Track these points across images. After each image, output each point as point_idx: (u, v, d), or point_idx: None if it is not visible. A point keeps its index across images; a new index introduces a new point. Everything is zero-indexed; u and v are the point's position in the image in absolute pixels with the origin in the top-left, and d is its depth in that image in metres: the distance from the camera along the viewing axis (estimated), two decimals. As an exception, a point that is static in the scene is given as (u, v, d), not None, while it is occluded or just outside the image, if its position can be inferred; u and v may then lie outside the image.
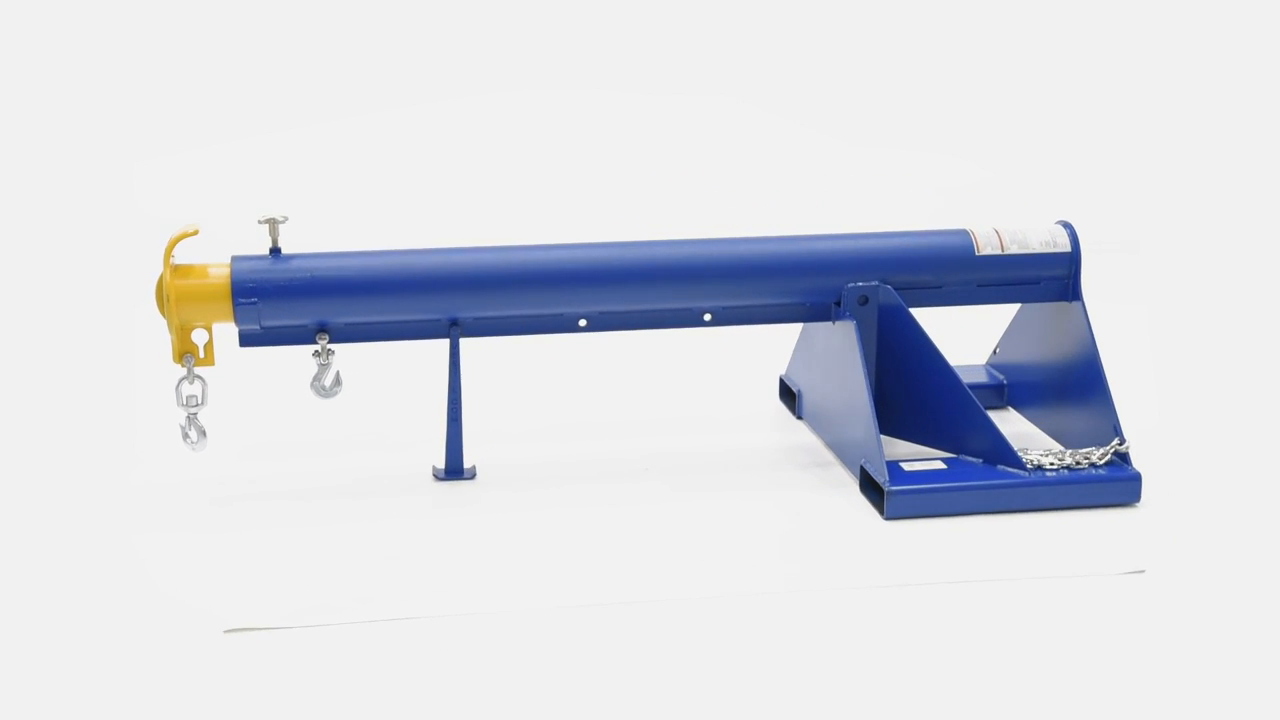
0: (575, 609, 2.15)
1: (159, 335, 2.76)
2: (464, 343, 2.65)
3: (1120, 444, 2.52)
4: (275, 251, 2.51)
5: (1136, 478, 2.48)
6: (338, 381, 2.61)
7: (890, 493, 2.43)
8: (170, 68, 4.33)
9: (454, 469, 2.67)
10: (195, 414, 2.54)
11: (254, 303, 2.47)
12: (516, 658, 2.02)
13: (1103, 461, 2.51)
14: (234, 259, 2.49)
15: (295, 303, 2.50)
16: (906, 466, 2.52)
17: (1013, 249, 2.66)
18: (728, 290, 2.63)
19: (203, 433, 2.56)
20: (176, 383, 2.52)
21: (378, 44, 4.44)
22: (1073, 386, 2.69)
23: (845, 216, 3.87)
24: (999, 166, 4.42)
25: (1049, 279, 2.69)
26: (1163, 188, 4.26)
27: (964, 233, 2.68)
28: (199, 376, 2.53)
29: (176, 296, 2.45)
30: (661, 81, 4.44)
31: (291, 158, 4.37)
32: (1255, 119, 4.18)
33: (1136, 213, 4.18)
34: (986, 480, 2.47)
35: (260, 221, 2.50)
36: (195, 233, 2.46)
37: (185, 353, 2.51)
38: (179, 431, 2.54)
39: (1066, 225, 2.71)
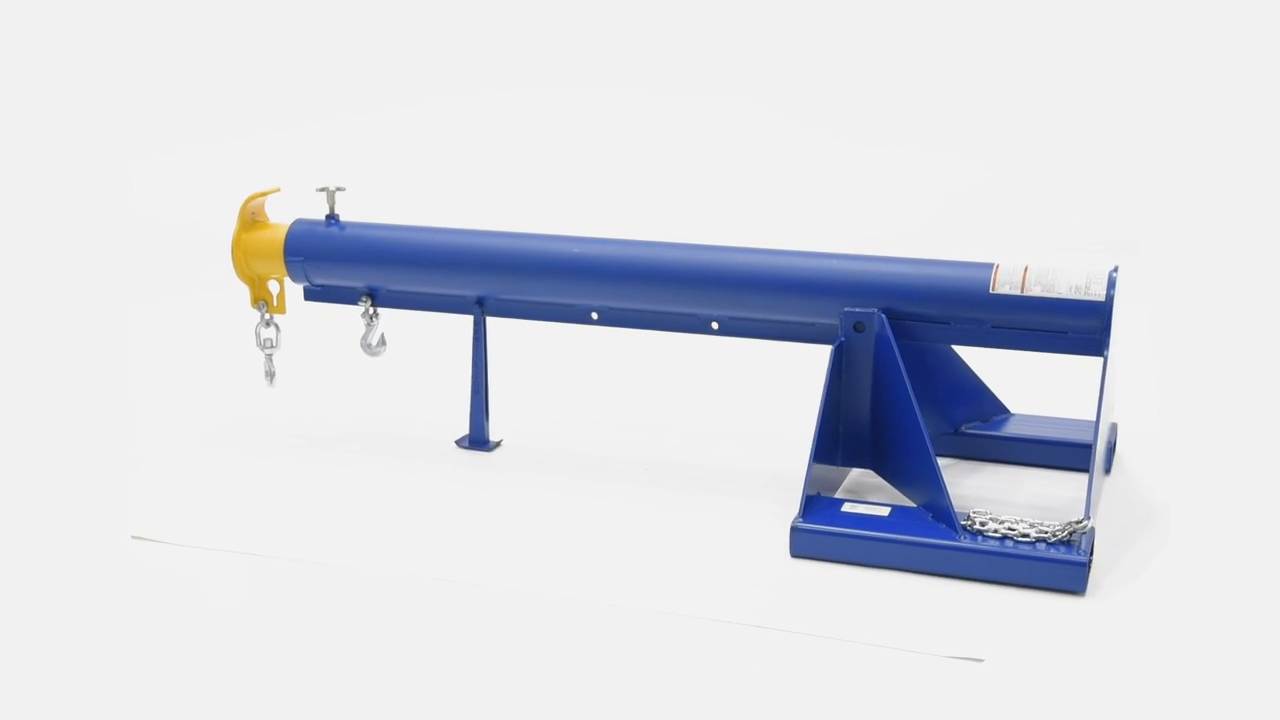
0: (481, 588, 2.21)
1: (158, 333, 3.08)
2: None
3: (1079, 522, 2.20)
4: (331, 218, 2.79)
5: (1080, 565, 2.14)
6: (383, 342, 2.85)
7: (795, 528, 2.29)
8: (170, 67, 4.64)
9: (476, 439, 2.82)
10: (271, 355, 2.88)
11: (300, 261, 2.76)
12: (410, 621, 2.11)
13: (1056, 538, 2.20)
14: (295, 221, 2.80)
15: (336, 265, 2.77)
16: (847, 507, 2.36)
17: (1034, 290, 2.36)
18: (730, 300, 2.57)
19: (273, 373, 2.89)
20: (255, 326, 2.87)
21: (379, 46, 4.61)
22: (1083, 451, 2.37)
23: (845, 217, 3.64)
24: (999, 166, 4.31)
25: (1077, 330, 2.35)
26: (1162, 188, 3.85)
27: (986, 266, 2.41)
28: (273, 321, 2.87)
29: (241, 248, 2.79)
30: (661, 81, 4.35)
31: (292, 157, 4.58)
32: (1255, 119, 3.74)
33: (1136, 213, 4.08)
34: (905, 536, 2.24)
35: (318, 190, 2.78)
36: (270, 193, 2.80)
37: (260, 299, 2.86)
38: (260, 368, 2.89)
39: (1112, 271, 2.36)
